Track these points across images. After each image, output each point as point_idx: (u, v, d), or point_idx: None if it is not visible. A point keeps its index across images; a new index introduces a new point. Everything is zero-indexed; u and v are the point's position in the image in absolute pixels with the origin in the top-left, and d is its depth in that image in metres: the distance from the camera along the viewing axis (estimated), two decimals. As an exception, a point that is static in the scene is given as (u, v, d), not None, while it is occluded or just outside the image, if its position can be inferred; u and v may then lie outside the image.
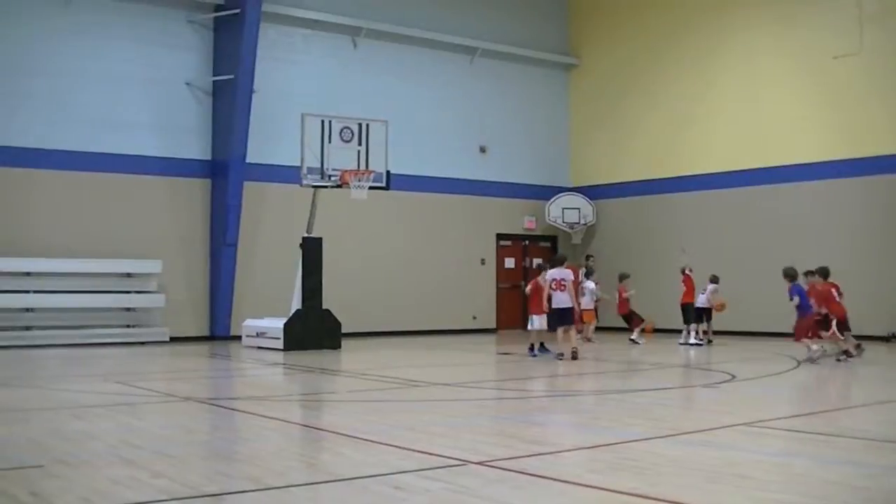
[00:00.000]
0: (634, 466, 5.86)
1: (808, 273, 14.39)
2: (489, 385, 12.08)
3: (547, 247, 24.42)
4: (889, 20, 18.51)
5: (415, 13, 22.24)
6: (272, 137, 19.56)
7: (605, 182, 23.91)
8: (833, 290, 14.04)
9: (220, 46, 19.45)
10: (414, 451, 6.35)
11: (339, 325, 17.10)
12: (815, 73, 19.61)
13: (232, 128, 18.83)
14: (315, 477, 5.76)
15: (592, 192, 24.07)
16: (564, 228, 23.78)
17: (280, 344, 16.40)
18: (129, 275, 18.34)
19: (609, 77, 23.94)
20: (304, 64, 20.67)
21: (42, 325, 17.49)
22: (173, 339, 18.39)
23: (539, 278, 15.21)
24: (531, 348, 15.26)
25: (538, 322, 14.93)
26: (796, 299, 13.72)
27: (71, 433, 7.24)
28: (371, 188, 17.18)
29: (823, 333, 14.14)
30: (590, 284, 18.49)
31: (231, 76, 18.79)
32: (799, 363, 13.35)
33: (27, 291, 17.33)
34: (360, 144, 17.27)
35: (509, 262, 23.98)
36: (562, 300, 14.26)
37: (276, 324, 16.80)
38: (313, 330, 16.68)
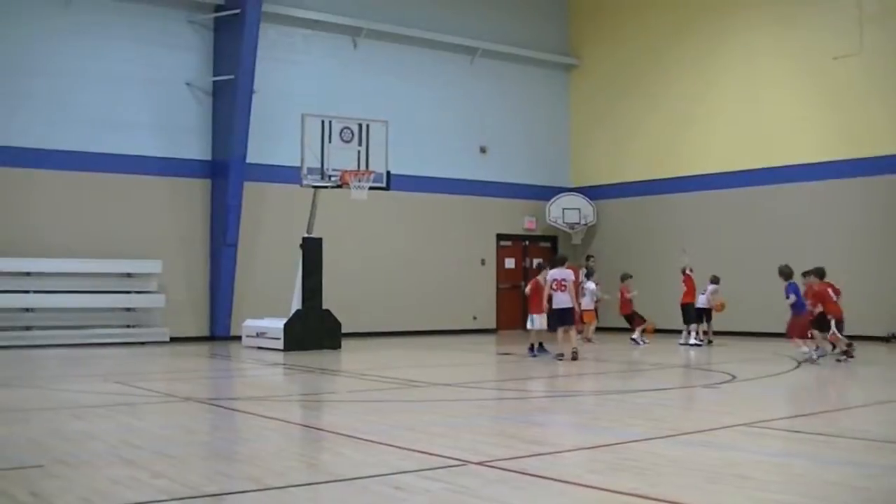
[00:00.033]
0: (635, 467, 5.86)
1: (805, 273, 14.39)
2: (489, 385, 12.08)
3: (547, 247, 24.42)
4: (889, 21, 18.51)
5: (415, 13, 22.24)
6: (272, 138, 19.56)
7: (606, 182, 23.92)
8: (829, 290, 14.04)
9: (220, 47, 19.45)
10: (414, 451, 6.35)
11: (339, 325, 17.10)
12: (815, 73, 19.61)
13: (232, 128, 18.83)
14: (315, 477, 5.75)
15: (593, 193, 24.08)
16: (565, 229, 23.78)
17: (280, 344, 16.40)
18: (129, 275, 18.34)
19: (609, 77, 23.95)
20: (304, 64, 20.67)
21: (42, 325, 17.49)
22: (173, 340, 18.39)
23: (539, 277, 15.22)
24: (531, 348, 15.26)
25: (538, 321, 14.93)
26: (792, 297, 13.71)
27: (71, 433, 7.24)
28: (371, 188, 17.18)
29: (821, 333, 14.16)
30: (590, 285, 18.50)
31: (231, 76, 18.80)
32: (799, 364, 13.34)
33: (27, 291, 17.33)
34: (360, 145, 17.27)
35: (509, 263, 23.98)
36: (562, 300, 14.27)
37: (277, 324, 16.80)
38: (313, 330, 16.68)
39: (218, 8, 19.35)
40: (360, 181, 16.93)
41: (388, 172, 17.51)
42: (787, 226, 19.78)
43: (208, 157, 19.52)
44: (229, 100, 18.93)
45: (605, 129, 24.03)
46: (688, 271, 17.93)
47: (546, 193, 23.94)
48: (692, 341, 17.28)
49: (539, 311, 14.86)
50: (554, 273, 14.51)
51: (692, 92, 22.01)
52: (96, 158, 18.19)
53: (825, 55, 19.25)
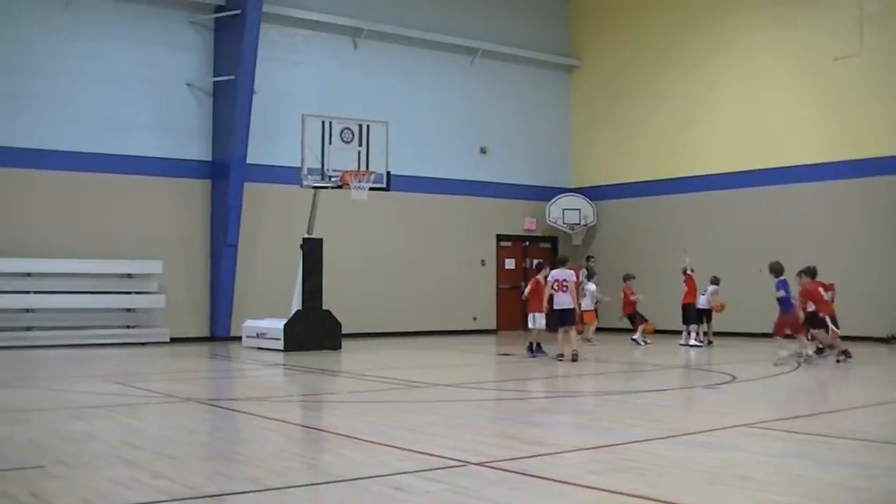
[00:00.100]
0: (635, 467, 5.86)
1: (799, 273, 14.40)
2: (489, 386, 12.08)
3: (547, 248, 24.43)
4: (889, 21, 18.51)
5: (415, 14, 22.24)
6: (272, 138, 19.56)
7: (606, 183, 23.92)
8: (820, 289, 14.06)
9: (220, 47, 19.46)
10: (414, 451, 6.35)
11: (339, 325, 17.10)
12: (815, 74, 19.61)
13: (232, 128, 18.83)
14: (315, 478, 5.75)
15: (593, 193, 24.08)
16: (565, 229, 23.78)
17: (280, 345, 16.40)
18: (129, 275, 18.34)
19: (610, 78, 23.95)
20: (304, 65, 20.68)
21: (42, 325, 17.48)
22: (174, 340, 18.39)
23: (539, 276, 15.23)
24: (529, 347, 15.26)
25: (539, 320, 14.93)
26: (780, 292, 13.70)
27: (71, 434, 7.24)
28: (371, 189, 17.18)
29: (819, 333, 14.18)
30: (591, 286, 18.51)
31: (232, 77, 18.80)
32: (799, 364, 13.34)
33: (28, 292, 17.33)
34: (360, 145, 17.27)
35: (510, 263, 23.97)
36: (564, 301, 14.29)
37: (277, 324, 16.80)
38: (313, 331, 16.67)
39: (218, 8, 19.35)
40: (360, 182, 16.93)
41: (388, 173, 17.51)
42: (787, 226, 19.77)
43: (209, 158, 19.52)
44: (230, 100, 18.93)
45: (605, 130, 24.04)
46: (689, 272, 17.94)
47: (546, 194, 23.93)
48: (692, 342, 17.28)
49: (539, 310, 14.86)
50: (555, 273, 14.52)
51: (693, 92, 22.02)
52: (97, 159, 18.19)
53: (826, 56, 19.25)
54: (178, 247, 19.07)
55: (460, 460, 5.99)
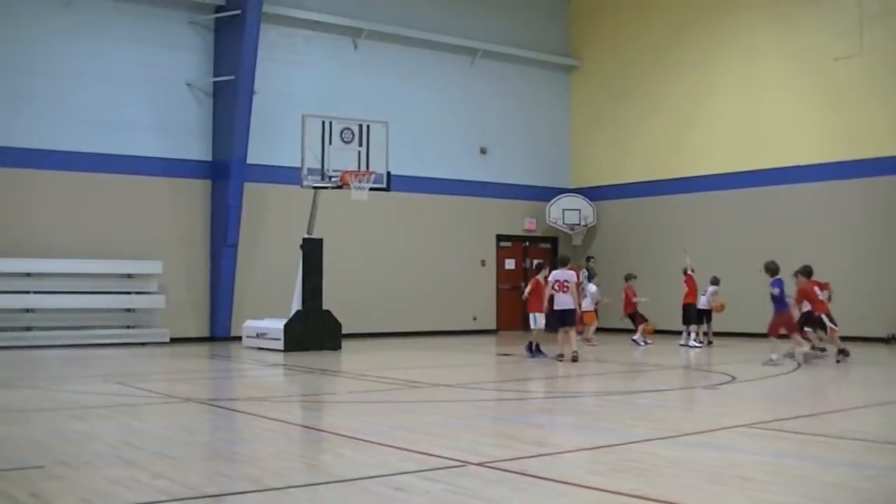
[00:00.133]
0: (635, 468, 5.86)
1: (795, 274, 14.43)
2: (489, 386, 12.08)
3: (547, 248, 24.43)
4: (890, 21, 18.51)
5: (415, 14, 22.24)
6: (273, 138, 19.56)
7: (606, 183, 23.92)
8: (815, 288, 14.07)
9: (220, 47, 19.46)
10: (414, 452, 6.35)
11: (339, 325, 17.10)
12: (815, 74, 19.61)
13: (232, 129, 18.83)
14: (315, 478, 5.76)
15: (593, 194, 24.08)
16: (564, 230, 23.78)
17: (280, 345, 16.40)
18: (129, 275, 18.34)
19: (610, 78, 23.95)
20: (304, 65, 20.68)
21: (42, 325, 17.48)
22: (174, 340, 18.39)
23: (539, 276, 15.23)
24: (529, 347, 15.26)
25: (539, 321, 14.94)
26: (775, 290, 13.70)
27: (71, 434, 7.24)
28: (371, 189, 17.17)
29: (817, 332, 14.20)
30: (591, 287, 18.52)
31: (232, 77, 18.80)
32: (799, 364, 13.34)
33: (27, 292, 17.33)
34: (360, 145, 17.27)
35: (510, 264, 23.97)
36: (564, 301, 14.31)
37: (277, 325, 16.80)
38: (313, 331, 16.67)
39: (218, 9, 19.35)
40: (360, 182, 16.93)
41: (388, 173, 17.50)
42: (787, 227, 19.77)
43: (209, 158, 19.52)
44: (230, 100, 18.93)
45: (605, 130, 24.04)
46: (689, 272, 17.94)
47: (546, 194, 23.94)
48: (692, 343, 17.28)
49: (540, 310, 14.87)
50: (556, 274, 14.54)
51: (693, 93, 22.02)
52: (97, 159, 18.19)
53: (826, 56, 19.25)
54: (178, 247, 19.07)
55: (460, 460, 5.99)
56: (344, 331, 17.25)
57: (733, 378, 11.84)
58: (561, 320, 14.38)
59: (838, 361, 13.65)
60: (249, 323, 17.90)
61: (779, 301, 13.70)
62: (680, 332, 17.92)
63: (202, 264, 19.40)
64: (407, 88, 21.96)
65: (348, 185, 16.87)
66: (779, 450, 6.76)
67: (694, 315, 17.60)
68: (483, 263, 23.34)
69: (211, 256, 19.41)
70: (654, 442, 6.89)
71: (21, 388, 10.97)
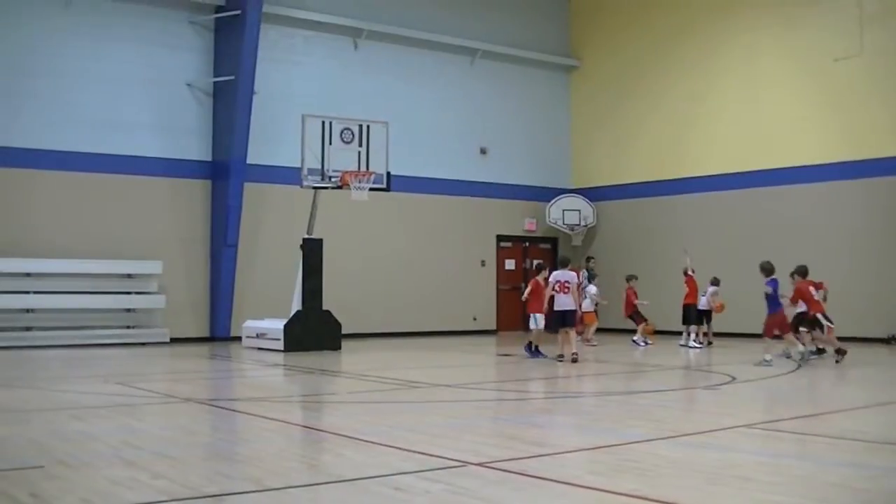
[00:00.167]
0: (635, 468, 5.86)
1: (792, 274, 14.44)
2: (490, 386, 12.08)
3: (547, 248, 24.44)
4: (890, 21, 18.50)
5: (415, 15, 22.25)
6: (273, 138, 19.57)
7: (606, 184, 23.92)
8: (811, 288, 14.08)
9: (220, 47, 19.46)
10: (414, 452, 6.35)
11: (339, 326, 17.10)
12: (816, 74, 19.61)
13: (232, 129, 18.83)
14: (315, 478, 5.75)
15: (593, 194, 24.07)
16: (565, 230, 23.78)
17: (280, 345, 16.40)
18: (129, 276, 18.34)
19: (610, 79, 23.95)
20: (304, 65, 20.68)
21: (42, 325, 17.48)
22: (173, 340, 18.39)
23: (539, 277, 15.24)
24: (529, 347, 15.26)
25: (539, 321, 14.94)
26: (768, 288, 13.71)
27: (71, 434, 7.24)
28: (371, 189, 17.17)
29: (816, 333, 14.21)
30: (591, 288, 18.52)
31: (232, 77, 18.79)
32: (798, 365, 13.33)
33: (27, 292, 17.33)
34: (360, 146, 17.27)
35: (509, 264, 23.98)
36: (565, 302, 14.33)
37: (277, 325, 16.80)
38: (313, 331, 16.67)
39: (218, 9, 19.35)
40: (360, 182, 16.93)
41: (388, 173, 17.51)
42: (787, 227, 19.77)
43: (209, 158, 19.52)
44: (230, 101, 18.93)
45: (605, 131, 24.04)
46: (690, 272, 17.95)
47: (546, 195, 23.94)
48: (692, 343, 17.29)
49: (540, 311, 14.89)
50: (557, 274, 14.56)
51: (693, 93, 22.02)
52: (97, 159, 18.19)
53: (826, 56, 19.26)
54: (178, 247, 19.07)
55: (460, 461, 5.99)
56: (344, 331, 17.26)
57: (733, 378, 11.84)
58: (561, 321, 14.39)
59: (837, 361, 13.65)
60: (249, 323, 17.90)
61: (772, 301, 13.71)
62: (680, 333, 17.92)
63: (202, 264, 19.40)
64: (407, 88, 21.96)
65: (348, 185, 16.87)
66: (779, 450, 6.77)
67: (694, 315, 17.61)
68: (483, 264, 23.34)
69: (211, 256, 19.42)
70: (655, 442, 6.89)
71: (21, 388, 10.96)
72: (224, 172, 19.07)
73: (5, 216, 17.35)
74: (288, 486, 5.41)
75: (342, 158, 17.05)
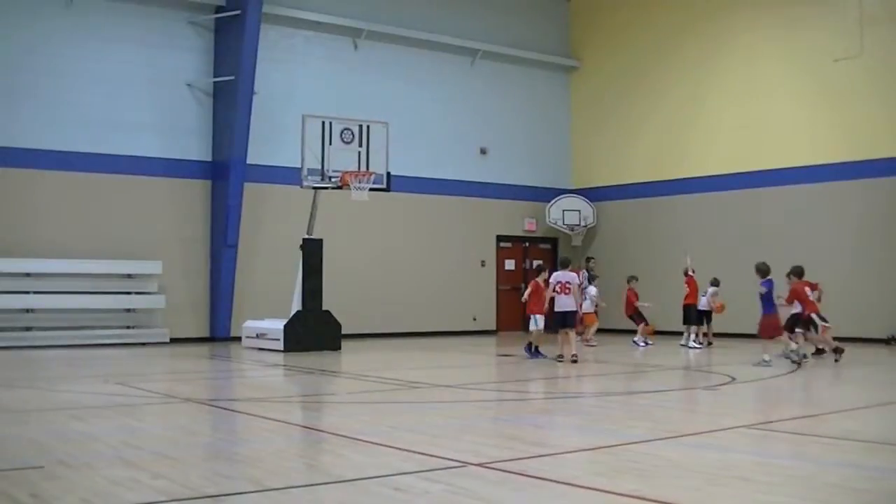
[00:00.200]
0: (635, 468, 5.86)
1: (788, 275, 14.46)
2: (490, 387, 12.07)
3: (547, 249, 24.44)
4: (890, 23, 18.50)
5: (416, 15, 22.24)
6: (273, 139, 19.57)
7: (606, 184, 23.92)
8: (807, 288, 14.09)
9: (220, 48, 19.45)
10: (414, 452, 6.35)
11: (339, 326, 17.10)
12: (815, 75, 19.61)
13: (233, 129, 18.83)
14: (315, 478, 5.75)
15: (593, 194, 24.07)
16: (565, 230, 23.78)
17: (280, 345, 16.40)
18: (129, 276, 18.34)
19: (610, 79, 23.95)
20: (304, 65, 20.67)
21: (42, 325, 17.48)
22: (173, 341, 18.39)
23: (538, 279, 15.24)
24: (528, 347, 15.26)
25: (540, 321, 14.95)
26: (762, 289, 13.71)
27: (71, 434, 7.24)
28: (371, 190, 17.17)
29: (808, 333, 14.24)
30: (591, 290, 18.52)
31: (232, 77, 18.79)
32: (798, 365, 13.33)
33: (27, 292, 17.33)
34: (360, 146, 17.28)
35: (509, 264, 23.97)
36: (566, 303, 14.35)
37: (277, 325, 16.80)
38: (313, 331, 16.67)
39: (219, 9, 19.35)
40: (360, 182, 16.93)
41: (388, 174, 17.51)
42: (787, 227, 19.77)
43: (209, 158, 19.52)
44: (230, 101, 18.93)
45: (605, 131, 24.04)
46: (690, 273, 17.95)
47: (546, 195, 23.93)
48: (691, 343, 17.29)
49: (540, 312, 14.90)
50: (558, 275, 14.59)
51: (693, 93, 22.01)
52: (97, 159, 18.19)
53: (826, 57, 19.25)
54: (178, 247, 19.07)
55: (460, 461, 5.99)
56: (344, 331, 17.25)
57: (733, 379, 11.84)
58: (562, 321, 14.40)
59: (836, 360, 13.67)
60: (249, 323, 17.90)
61: (767, 302, 13.73)
62: (680, 333, 17.92)
63: (202, 264, 19.40)
64: (407, 88, 21.96)
65: (348, 185, 16.87)
66: (779, 451, 6.76)
67: (694, 316, 17.61)
68: (483, 264, 23.34)
69: (211, 256, 19.41)
70: (655, 443, 6.89)
71: (21, 389, 10.96)
72: (224, 172, 19.07)
73: (5, 216, 17.35)
74: (288, 487, 5.41)
75: (342, 158, 17.05)
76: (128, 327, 18.34)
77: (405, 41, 21.99)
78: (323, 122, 17.03)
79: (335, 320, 17.06)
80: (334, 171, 16.98)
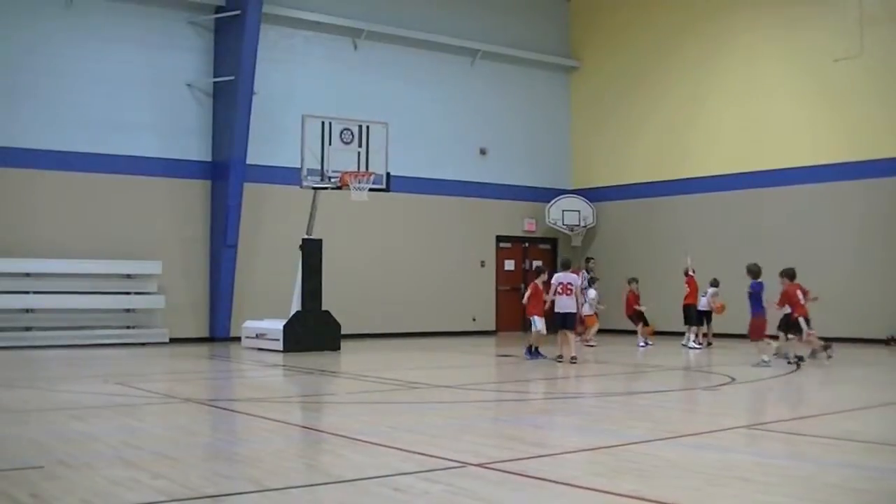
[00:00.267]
0: (635, 469, 5.86)
1: (781, 275, 14.46)
2: (489, 387, 12.07)
3: (547, 249, 24.44)
4: (890, 23, 18.50)
5: (415, 15, 22.24)
6: (272, 139, 19.56)
7: (606, 184, 23.92)
8: (798, 291, 14.10)
9: (220, 48, 19.45)
10: (414, 452, 6.35)
11: (338, 326, 17.10)
12: (816, 75, 19.61)
13: (232, 129, 18.83)
14: (315, 478, 5.75)
15: (593, 195, 24.07)
16: (564, 231, 23.78)
17: (280, 345, 16.40)
18: (129, 276, 18.34)
19: (610, 79, 23.95)
20: (304, 65, 20.67)
21: (42, 325, 17.48)
22: (173, 341, 18.39)
23: (538, 280, 15.24)
24: (528, 349, 15.26)
25: (540, 323, 14.95)
26: (750, 290, 13.72)
27: (71, 434, 7.24)
28: (371, 190, 17.17)
29: (795, 336, 14.26)
30: (591, 293, 18.51)
31: (231, 77, 18.79)
32: (798, 365, 13.33)
33: (27, 292, 17.32)
34: (360, 146, 17.27)
35: (509, 265, 23.97)
36: (567, 304, 14.36)
37: (276, 325, 16.80)
38: (313, 331, 16.67)
39: (218, 9, 19.35)
40: (359, 182, 16.93)
41: (387, 174, 17.51)
42: (787, 228, 19.77)
43: (208, 159, 19.52)
44: (230, 101, 18.93)
45: (605, 131, 24.04)
46: (690, 273, 17.96)
47: (546, 195, 23.93)
48: (691, 344, 17.29)
49: (540, 314, 14.90)
50: (559, 276, 14.59)
51: (693, 93, 22.01)
52: (97, 159, 18.19)
53: (826, 57, 19.25)
54: (178, 247, 19.07)
55: (460, 461, 5.99)
56: (343, 331, 17.25)
57: (733, 379, 11.84)
58: (562, 322, 14.41)
59: (829, 357, 13.78)
60: (249, 323, 17.90)
61: (755, 303, 13.74)
62: (680, 333, 17.92)
63: (202, 264, 19.40)
64: (407, 89, 21.96)
65: (348, 185, 16.87)
66: (778, 451, 6.76)
67: (694, 316, 17.62)
68: (483, 264, 23.34)
69: (211, 257, 19.41)
70: (654, 443, 6.89)
71: (21, 389, 10.95)
72: (224, 173, 19.07)
73: (5, 216, 17.34)
74: (288, 487, 5.41)
75: (342, 159, 17.05)
76: (127, 327, 18.33)
77: (405, 41, 21.99)
78: (323, 123, 17.03)
79: (335, 320, 17.06)
80: (334, 171, 16.98)
